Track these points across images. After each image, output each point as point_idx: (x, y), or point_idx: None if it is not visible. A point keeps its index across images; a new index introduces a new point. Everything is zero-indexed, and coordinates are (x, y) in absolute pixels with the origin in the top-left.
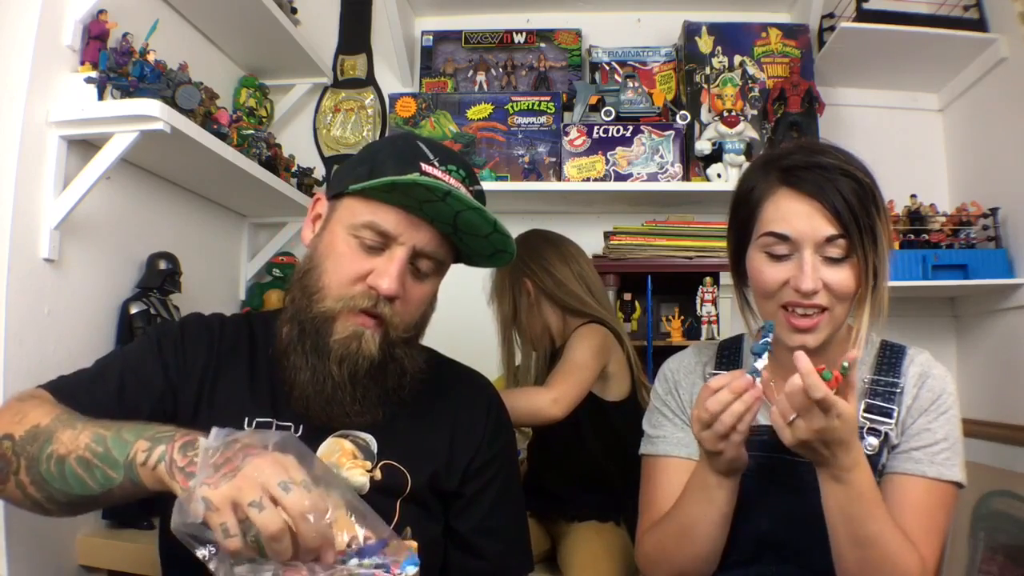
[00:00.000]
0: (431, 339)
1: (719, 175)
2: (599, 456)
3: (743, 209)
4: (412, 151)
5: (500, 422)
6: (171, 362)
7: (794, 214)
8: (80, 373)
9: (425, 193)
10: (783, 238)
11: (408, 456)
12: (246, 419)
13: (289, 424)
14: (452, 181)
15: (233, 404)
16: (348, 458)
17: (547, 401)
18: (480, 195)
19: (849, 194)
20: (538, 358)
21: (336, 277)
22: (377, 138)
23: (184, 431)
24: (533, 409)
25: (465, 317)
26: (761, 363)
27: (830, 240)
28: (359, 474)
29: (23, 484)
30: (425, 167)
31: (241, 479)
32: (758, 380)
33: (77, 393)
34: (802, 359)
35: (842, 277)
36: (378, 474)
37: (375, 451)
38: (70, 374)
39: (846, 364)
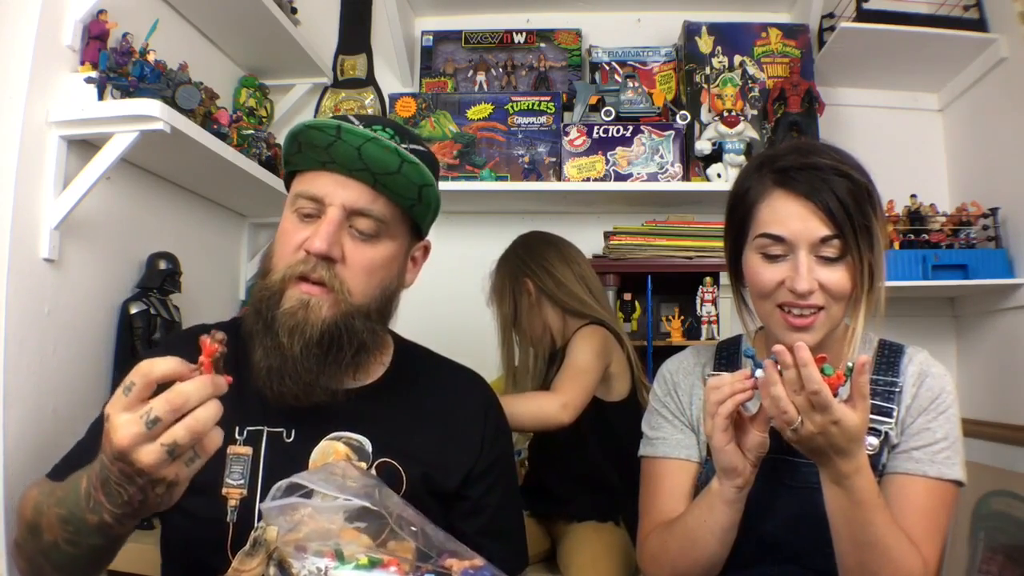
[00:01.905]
0: (430, 339)
1: (719, 175)
2: (599, 456)
3: (739, 211)
4: (339, 120)
5: (499, 423)
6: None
7: (788, 215)
8: (76, 446)
9: (320, 135)
10: (778, 239)
11: (403, 455)
12: (236, 428)
13: (281, 430)
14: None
15: (223, 417)
16: (343, 460)
17: (556, 407)
18: (422, 155)
19: (843, 194)
20: (537, 358)
21: (281, 252)
22: None
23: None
24: (542, 415)
25: (464, 317)
26: (760, 372)
27: (825, 240)
28: None
29: (50, 573)
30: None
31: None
32: (756, 375)
33: (71, 466)
34: (802, 349)
35: (837, 277)
36: (374, 474)
37: (370, 451)
38: (69, 450)
39: (850, 364)
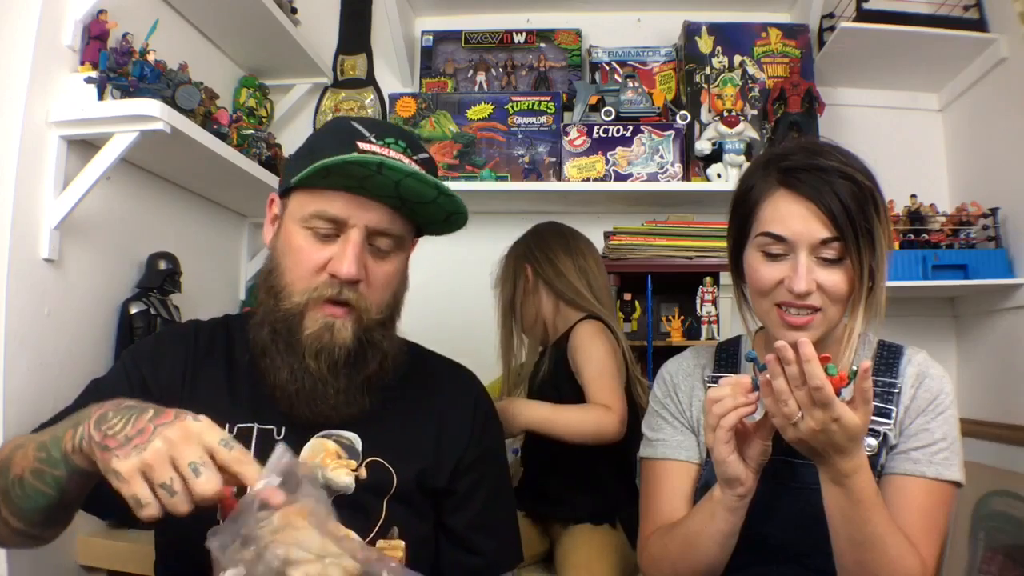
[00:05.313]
0: (429, 338)
1: (719, 175)
2: (594, 457)
3: (742, 208)
4: (348, 132)
5: (488, 416)
6: (148, 378)
7: (790, 215)
8: (59, 413)
9: (360, 169)
10: (779, 239)
11: (394, 453)
12: (227, 425)
13: (271, 427)
14: (392, 153)
15: (212, 411)
16: (332, 458)
17: (616, 424)
18: (428, 163)
19: (846, 197)
20: (530, 347)
21: (297, 272)
22: None
23: (99, 404)
24: (602, 432)
25: (464, 317)
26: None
27: (825, 242)
28: (344, 474)
29: (6, 519)
30: (361, 145)
31: (152, 454)
32: (757, 383)
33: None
34: (805, 345)
35: (836, 279)
36: (363, 473)
37: (360, 450)
38: (51, 417)
39: (855, 368)
